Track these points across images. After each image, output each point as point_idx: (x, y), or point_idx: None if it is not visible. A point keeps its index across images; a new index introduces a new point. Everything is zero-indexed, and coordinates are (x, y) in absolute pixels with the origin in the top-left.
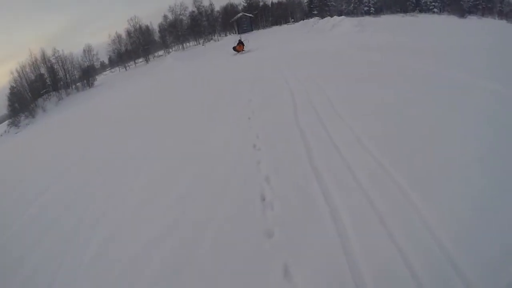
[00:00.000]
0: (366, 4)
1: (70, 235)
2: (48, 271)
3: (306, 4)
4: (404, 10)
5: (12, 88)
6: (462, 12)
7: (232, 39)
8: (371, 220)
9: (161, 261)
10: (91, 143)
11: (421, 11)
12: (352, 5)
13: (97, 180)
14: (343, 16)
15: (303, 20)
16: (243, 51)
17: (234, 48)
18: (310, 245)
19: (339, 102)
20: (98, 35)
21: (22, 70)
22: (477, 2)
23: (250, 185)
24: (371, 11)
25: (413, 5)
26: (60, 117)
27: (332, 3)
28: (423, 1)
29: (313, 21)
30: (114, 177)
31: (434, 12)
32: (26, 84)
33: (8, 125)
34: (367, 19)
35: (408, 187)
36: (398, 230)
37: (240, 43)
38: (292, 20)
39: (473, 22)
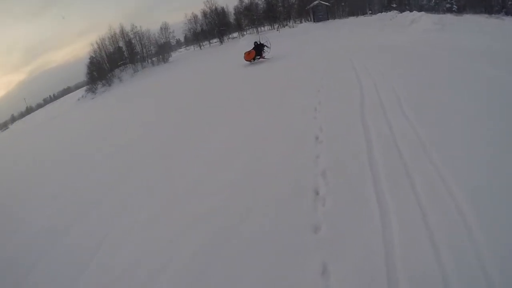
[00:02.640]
0: (449, 1)
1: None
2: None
3: None
4: (489, 11)
5: (91, 58)
6: None
7: (307, 27)
8: (420, 232)
9: (203, 239)
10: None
11: (507, 13)
12: (434, 0)
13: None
14: (422, 12)
15: (381, 12)
16: (264, 59)
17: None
18: (353, 247)
19: None
20: (175, 14)
21: (101, 43)
22: None
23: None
24: (454, 8)
25: (498, 6)
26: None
27: None
28: (510, 3)
29: (391, 15)
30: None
31: None
32: (104, 55)
33: (86, 91)
34: (448, 17)
35: (466, 204)
36: (446, 249)
37: (257, 47)
38: (370, 12)
39: None
